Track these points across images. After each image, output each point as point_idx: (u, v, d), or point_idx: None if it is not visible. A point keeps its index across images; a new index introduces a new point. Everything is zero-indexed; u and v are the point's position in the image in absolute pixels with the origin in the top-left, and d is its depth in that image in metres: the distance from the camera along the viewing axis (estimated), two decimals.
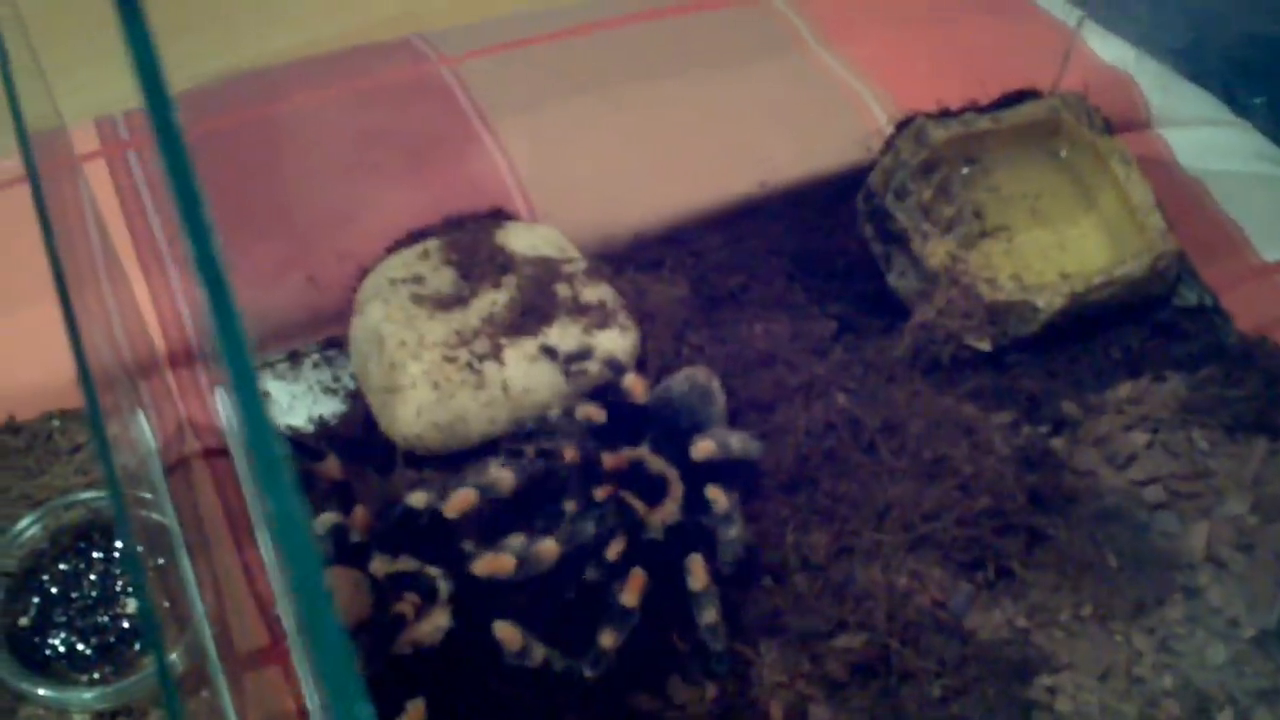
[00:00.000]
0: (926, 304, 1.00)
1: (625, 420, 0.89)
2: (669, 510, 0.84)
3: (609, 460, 0.84)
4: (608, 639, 0.78)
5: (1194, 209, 1.15)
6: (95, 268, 0.75)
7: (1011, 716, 0.82)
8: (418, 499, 0.79)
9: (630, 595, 0.78)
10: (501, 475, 0.80)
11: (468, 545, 0.79)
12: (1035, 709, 0.82)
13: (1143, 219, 1.03)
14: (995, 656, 0.84)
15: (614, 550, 0.80)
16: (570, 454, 0.83)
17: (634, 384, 0.90)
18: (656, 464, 0.86)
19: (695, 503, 0.85)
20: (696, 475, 0.86)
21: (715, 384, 0.92)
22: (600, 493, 0.82)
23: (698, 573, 0.81)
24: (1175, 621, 0.86)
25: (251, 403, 0.28)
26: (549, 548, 0.77)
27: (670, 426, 0.89)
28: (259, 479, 0.28)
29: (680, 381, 0.92)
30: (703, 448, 0.86)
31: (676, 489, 0.85)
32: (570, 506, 0.81)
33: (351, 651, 0.27)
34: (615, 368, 0.91)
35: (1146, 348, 1.03)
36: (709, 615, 0.82)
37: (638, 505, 0.83)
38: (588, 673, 0.78)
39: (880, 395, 0.96)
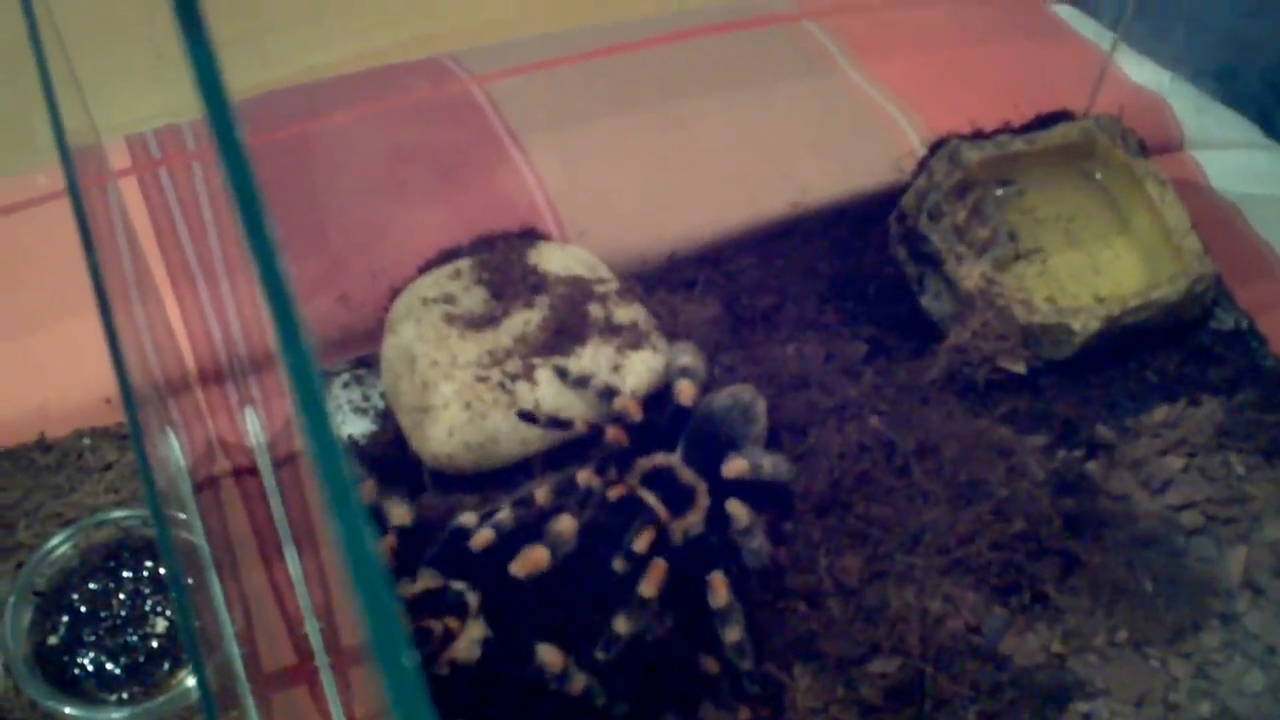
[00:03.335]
0: (960, 326, 0.99)
1: (664, 426, 0.90)
2: (691, 521, 0.84)
3: (635, 467, 0.85)
4: (621, 625, 0.77)
5: (1228, 232, 1.15)
6: (127, 285, 0.74)
7: None
8: (469, 519, 0.80)
9: (649, 585, 0.78)
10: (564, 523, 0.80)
11: (481, 537, 0.78)
12: None
13: (1179, 241, 1.02)
14: (1030, 682, 0.83)
15: (642, 541, 0.80)
16: (584, 477, 0.83)
17: (684, 388, 0.90)
18: (686, 475, 0.86)
19: (721, 520, 0.85)
20: (726, 492, 0.86)
21: (760, 405, 0.92)
22: (613, 492, 0.83)
23: (719, 590, 0.81)
24: (1212, 648, 0.85)
25: (319, 420, 0.28)
26: (566, 524, 0.77)
27: (707, 440, 0.89)
28: (326, 501, 0.28)
29: (723, 397, 0.92)
30: (735, 466, 0.86)
31: (703, 501, 0.85)
32: (589, 479, 0.83)
33: (422, 678, 0.26)
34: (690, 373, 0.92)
35: (1182, 371, 1.02)
36: (733, 634, 0.81)
37: (657, 506, 0.82)
38: (600, 655, 0.77)
39: (914, 418, 0.95)
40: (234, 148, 0.31)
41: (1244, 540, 0.90)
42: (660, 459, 0.86)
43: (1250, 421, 0.96)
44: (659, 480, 0.85)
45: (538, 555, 0.76)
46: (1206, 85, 1.27)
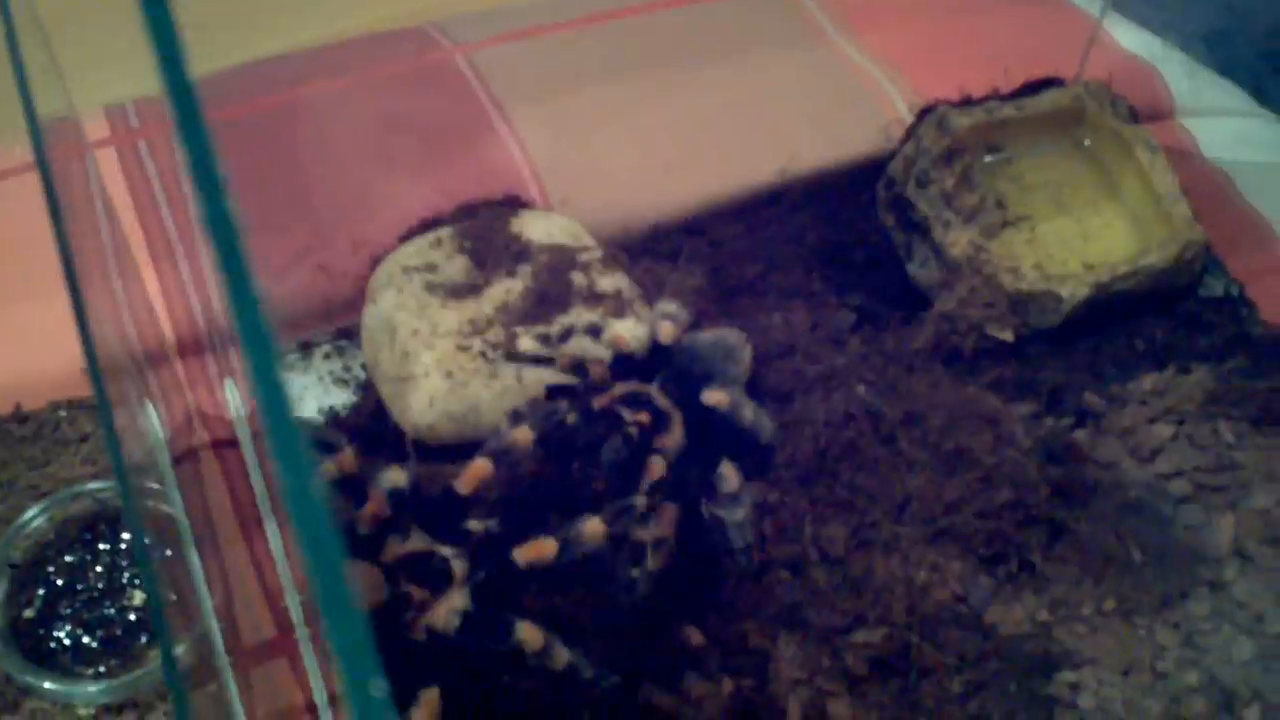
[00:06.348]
0: (948, 294, 0.99)
1: (644, 361, 0.90)
2: (664, 444, 0.83)
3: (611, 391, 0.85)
4: (638, 570, 0.78)
5: (1218, 200, 1.14)
6: (104, 257, 0.74)
7: (1033, 712, 0.80)
8: (397, 477, 0.78)
9: (664, 527, 0.78)
10: (519, 433, 0.79)
11: (475, 525, 0.77)
12: (1057, 705, 0.81)
13: (1169, 208, 1.01)
14: (1016, 651, 0.83)
15: (643, 415, 0.81)
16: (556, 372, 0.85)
17: (665, 328, 0.91)
18: (662, 402, 0.85)
19: (696, 459, 0.85)
20: (701, 428, 0.86)
21: (746, 350, 0.92)
22: (598, 401, 0.83)
23: (730, 476, 0.83)
24: (1200, 616, 0.85)
25: (267, 371, 0.27)
26: (595, 527, 0.75)
27: (687, 375, 0.89)
28: (275, 453, 0.27)
29: (708, 335, 0.92)
30: (714, 396, 0.86)
31: (677, 431, 0.84)
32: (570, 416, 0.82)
33: (368, 626, 0.25)
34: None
35: (1171, 339, 1.02)
36: (738, 514, 0.83)
37: (630, 418, 0.82)
38: (624, 598, 0.78)
39: (900, 386, 0.95)
40: (191, 116, 0.30)
41: (1233, 508, 0.89)
42: (636, 385, 0.86)
43: (1239, 389, 0.95)
44: (634, 404, 0.84)
45: (544, 546, 0.75)
46: (1197, 52, 1.26)
